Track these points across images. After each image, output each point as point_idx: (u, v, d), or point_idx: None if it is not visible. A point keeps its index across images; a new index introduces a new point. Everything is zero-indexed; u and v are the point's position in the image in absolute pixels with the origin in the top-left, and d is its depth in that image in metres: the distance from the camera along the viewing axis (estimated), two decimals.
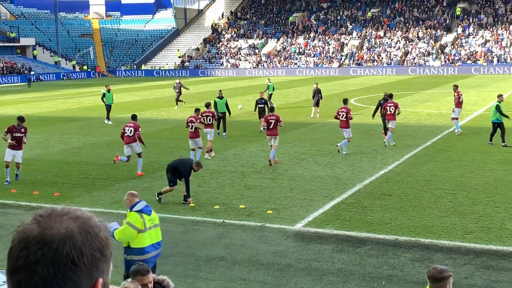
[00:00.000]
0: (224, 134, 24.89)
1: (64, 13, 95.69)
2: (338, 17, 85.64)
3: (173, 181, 14.46)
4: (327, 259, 10.63)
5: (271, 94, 33.64)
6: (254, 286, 9.60)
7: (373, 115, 24.08)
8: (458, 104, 24.20)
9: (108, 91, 31.76)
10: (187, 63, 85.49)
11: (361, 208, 13.76)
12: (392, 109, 21.88)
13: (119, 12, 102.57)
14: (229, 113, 25.58)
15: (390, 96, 22.97)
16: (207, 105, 21.55)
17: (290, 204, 14.27)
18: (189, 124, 19.57)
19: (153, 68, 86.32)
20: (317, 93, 30.48)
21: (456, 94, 24.54)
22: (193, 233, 12.40)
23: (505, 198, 14.24)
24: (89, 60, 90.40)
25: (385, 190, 15.37)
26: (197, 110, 20.30)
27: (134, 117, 19.28)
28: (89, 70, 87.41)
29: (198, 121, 19.75)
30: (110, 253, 1.57)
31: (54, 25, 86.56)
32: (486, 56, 69.16)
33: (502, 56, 68.59)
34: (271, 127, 19.19)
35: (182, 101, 37.11)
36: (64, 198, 15.40)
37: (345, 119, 20.51)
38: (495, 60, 68.38)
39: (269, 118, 19.50)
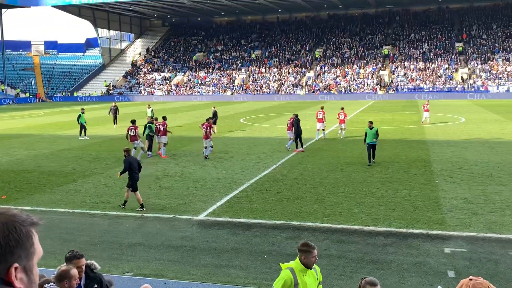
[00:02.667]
0: (149, 153, 22.07)
1: (10, 50, 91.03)
2: (230, 57, 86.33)
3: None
4: (223, 241, 10.61)
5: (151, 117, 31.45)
6: (167, 264, 9.39)
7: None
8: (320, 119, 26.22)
9: (83, 112, 29.50)
10: (111, 91, 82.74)
11: (248, 201, 13.86)
12: (342, 115, 26.82)
13: (55, 50, 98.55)
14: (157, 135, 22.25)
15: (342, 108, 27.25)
16: (164, 118, 22.93)
17: (195, 200, 14.12)
18: (203, 128, 21.03)
19: (84, 95, 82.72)
20: (215, 114, 30.54)
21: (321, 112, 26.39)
22: (117, 225, 11.95)
23: (352, 190, 14.86)
24: (31, 88, 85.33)
25: (266, 186, 15.58)
26: (208, 119, 22.14)
27: (165, 118, 22.74)
28: (31, 96, 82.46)
29: (209, 127, 21.12)
30: (31, 244, 1.48)
31: (1, 60, 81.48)
32: (337, 87, 72.37)
33: (348, 88, 72.10)
34: (206, 133, 20.92)
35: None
36: (10, 200, 14.35)
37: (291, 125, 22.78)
38: (343, 90, 71.72)
39: (202, 126, 21.24)
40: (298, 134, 22.37)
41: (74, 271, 4.85)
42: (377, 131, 18.90)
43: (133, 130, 21.37)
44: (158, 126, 21.88)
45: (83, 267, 5.46)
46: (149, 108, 31.87)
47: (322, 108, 27.46)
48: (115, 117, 35.13)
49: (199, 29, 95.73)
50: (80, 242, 10.64)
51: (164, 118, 22.92)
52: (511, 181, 15.54)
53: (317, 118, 26.56)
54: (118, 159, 21.37)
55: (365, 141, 19.15)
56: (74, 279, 4.79)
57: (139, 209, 13.07)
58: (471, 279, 3.50)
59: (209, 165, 19.58)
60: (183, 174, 17.87)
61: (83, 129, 28.96)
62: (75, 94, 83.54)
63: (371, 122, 19.25)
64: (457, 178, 16.22)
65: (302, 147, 22.53)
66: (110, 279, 5.97)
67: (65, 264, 5.39)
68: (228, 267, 9.13)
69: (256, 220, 11.98)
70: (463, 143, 24.16)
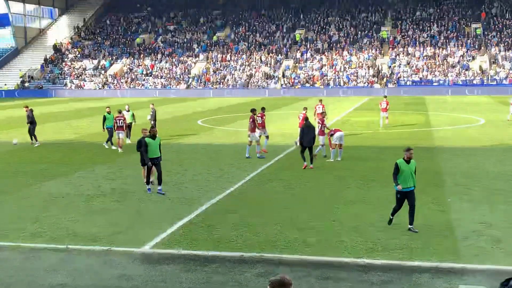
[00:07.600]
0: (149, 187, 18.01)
1: None
2: (185, 40, 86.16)
3: None
4: (175, 280, 10.51)
5: (130, 123, 29.85)
6: None
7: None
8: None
9: (108, 113, 27.84)
10: (27, 84, 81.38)
11: (208, 227, 13.76)
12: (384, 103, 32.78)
13: None
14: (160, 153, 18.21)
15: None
16: (119, 112, 26.10)
17: (137, 227, 13.95)
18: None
19: None
20: (155, 113, 30.30)
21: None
22: (34, 261, 11.69)
23: (342, 212, 14.96)
24: None
25: (231, 208, 15.50)
26: (253, 110, 24.28)
27: (263, 109, 25.73)
28: None
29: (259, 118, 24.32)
30: None
31: None
32: (322, 80, 73.05)
33: (336, 80, 72.83)
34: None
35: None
36: None
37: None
38: (331, 83, 72.43)
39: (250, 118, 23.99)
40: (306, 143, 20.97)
41: None
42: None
43: (260, 118, 24.28)
44: (257, 117, 24.28)
45: None
46: (128, 111, 29.84)
47: (320, 101, 31.71)
48: (33, 128, 29.12)
49: (144, 3, 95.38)
50: None
51: (263, 109, 25.69)
52: None
53: (315, 114, 28.65)
54: (35, 174, 20.98)
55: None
56: None
57: None
58: None
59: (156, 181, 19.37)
60: (122, 193, 17.66)
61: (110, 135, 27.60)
62: None
63: (410, 150, 13.18)
64: (474, 195, 16.54)
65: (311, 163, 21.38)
66: None
67: None
68: None
69: (218, 252, 11.92)
70: (483, 151, 24.68)
